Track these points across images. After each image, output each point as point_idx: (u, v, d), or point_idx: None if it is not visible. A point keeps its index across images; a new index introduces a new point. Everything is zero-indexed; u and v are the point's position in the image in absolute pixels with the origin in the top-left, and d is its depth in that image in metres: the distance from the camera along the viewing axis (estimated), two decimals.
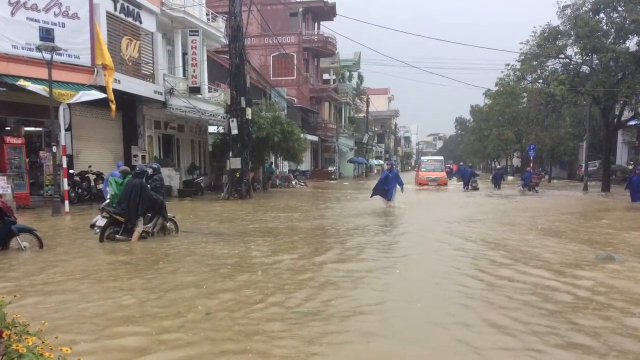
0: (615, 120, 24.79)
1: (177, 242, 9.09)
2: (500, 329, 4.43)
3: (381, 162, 64.96)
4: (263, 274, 6.57)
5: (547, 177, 39.96)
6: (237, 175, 19.22)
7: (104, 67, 15.89)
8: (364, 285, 6.03)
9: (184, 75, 22.05)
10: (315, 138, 41.10)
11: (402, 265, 7.21)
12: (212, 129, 25.52)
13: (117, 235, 9.02)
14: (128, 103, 18.82)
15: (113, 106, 15.93)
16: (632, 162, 31.32)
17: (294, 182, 30.44)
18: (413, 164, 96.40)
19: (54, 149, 13.57)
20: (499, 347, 4.04)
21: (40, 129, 17.03)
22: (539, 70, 25.03)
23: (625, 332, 4.37)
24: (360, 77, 59.25)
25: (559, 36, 23.59)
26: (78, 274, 6.59)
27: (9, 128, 15.74)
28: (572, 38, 23.12)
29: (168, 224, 9.85)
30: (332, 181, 38.97)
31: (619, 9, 22.23)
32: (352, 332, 4.36)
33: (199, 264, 7.23)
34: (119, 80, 16.71)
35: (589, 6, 22.55)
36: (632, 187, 17.24)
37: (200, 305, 5.11)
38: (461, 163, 53.96)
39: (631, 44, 23.04)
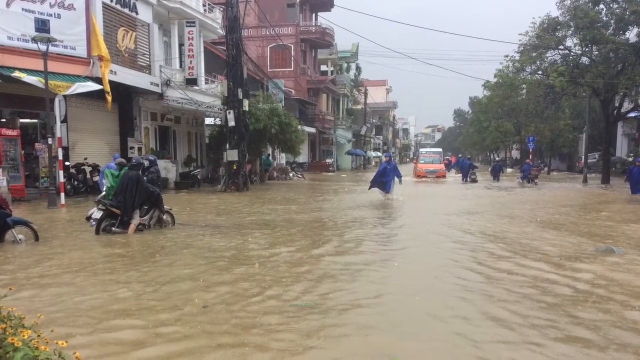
0: (615, 112, 24.76)
1: (173, 235, 9.05)
2: (499, 322, 4.40)
3: (379, 154, 64.96)
4: (260, 266, 6.54)
5: (546, 169, 39.99)
6: (234, 168, 19.16)
7: (100, 58, 15.76)
8: (362, 278, 6.00)
9: (181, 66, 21.91)
10: (312, 130, 41.01)
11: (401, 258, 7.18)
12: (209, 120, 25.42)
13: (113, 228, 8.97)
14: (124, 95, 18.71)
15: (109, 98, 15.83)
16: (632, 154, 31.30)
17: (291, 174, 30.39)
18: (411, 155, 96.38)
19: (50, 140, 13.49)
20: (498, 340, 4.01)
21: (35, 120, 16.92)
22: (538, 62, 24.94)
23: (625, 325, 4.35)
24: (358, 69, 59.10)
25: (559, 27, 23.48)
26: (74, 266, 6.55)
27: (4, 120, 15.63)
28: (572, 29, 23.03)
29: (164, 217, 9.80)
30: (330, 173, 38.92)
31: None
32: (350, 325, 4.34)
33: (196, 256, 7.19)
34: (115, 72, 16.60)
35: None
36: (632, 179, 17.21)
37: (197, 298, 5.08)
38: (460, 155, 54.00)
39: (631, 35, 22.99)
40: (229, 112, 19.04)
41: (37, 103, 14.44)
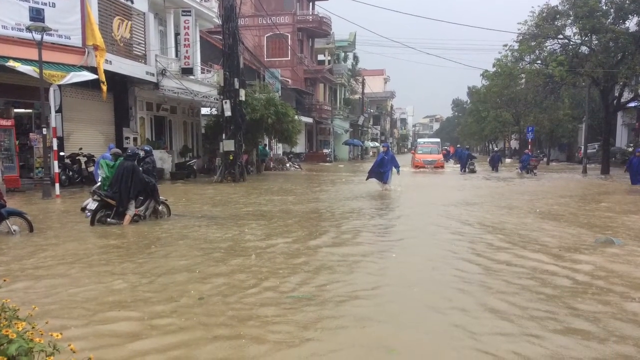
0: (615, 101, 24.70)
1: (169, 226, 8.99)
2: (497, 314, 4.37)
3: (377, 144, 64.84)
4: (257, 258, 6.50)
5: (545, 159, 39.98)
6: (231, 158, 19.09)
7: (95, 47, 15.60)
8: (360, 269, 5.96)
9: (177, 56, 21.71)
10: (309, 120, 40.89)
11: (398, 249, 7.14)
12: (205, 110, 25.27)
13: (109, 219, 8.90)
14: (119, 84, 18.57)
15: (104, 87, 15.69)
16: (631, 145, 31.29)
17: (288, 165, 30.32)
18: (409, 146, 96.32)
19: (44, 131, 13.38)
20: (497, 333, 3.98)
21: (30, 110, 16.77)
22: (537, 51, 24.82)
23: (625, 317, 4.32)
24: (355, 58, 58.77)
25: (558, 16, 23.34)
26: (69, 258, 6.50)
27: None
28: (571, 18, 22.89)
29: (160, 207, 9.74)
30: (327, 164, 38.88)
31: None
32: (347, 317, 4.31)
33: (192, 247, 7.14)
34: (110, 61, 16.42)
35: None
36: (632, 170, 17.15)
37: (192, 290, 5.05)
38: (458, 145, 53.97)
39: (631, 24, 22.87)
40: (226, 102, 18.92)
41: (32, 93, 14.32)
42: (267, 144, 30.94)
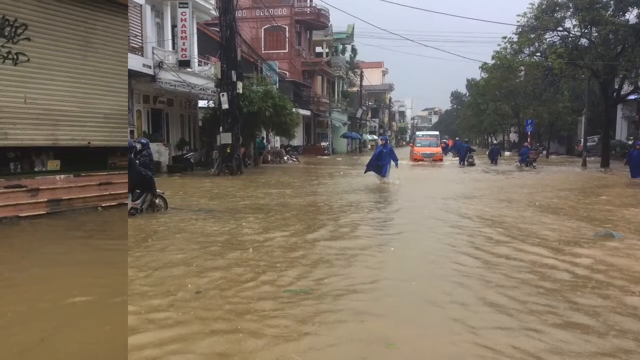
0: (615, 94, 24.65)
1: (166, 219, 8.94)
2: (497, 308, 4.35)
3: (375, 137, 64.72)
4: (254, 251, 6.45)
5: (544, 152, 39.96)
6: (228, 151, 19.02)
7: None
8: (358, 263, 5.93)
9: (174, 48, 21.57)
10: (307, 113, 40.75)
11: (397, 243, 7.12)
12: (202, 103, 25.14)
13: None
14: None
15: None
16: (631, 137, 31.26)
17: (286, 158, 30.24)
18: (408, 139, 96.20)
19: None
20: (496, 327, 3.95)
21: None
22: (536, 43, 24.75)
23: (625, 311, 4.29)
24: (353, 51, 58.54)
25: (557, 8, 23.26)
26: None
27: None
28: (571, 10, 22.82)
29: (157, 201, 9.67)
30: (325, 157, 38.80)
31: None
32: (345, 311, 4.28)
33: (189, 241, 7.10)
34: None
35: None
36: (632, 163, 17.13)
37: (190, 284, 5.01)
38: (457, 138, 53.87)
39: (631, 16, 22.83)
40: (223, 95, 18.83)
41: None
42: (265, 136, 30.85)
